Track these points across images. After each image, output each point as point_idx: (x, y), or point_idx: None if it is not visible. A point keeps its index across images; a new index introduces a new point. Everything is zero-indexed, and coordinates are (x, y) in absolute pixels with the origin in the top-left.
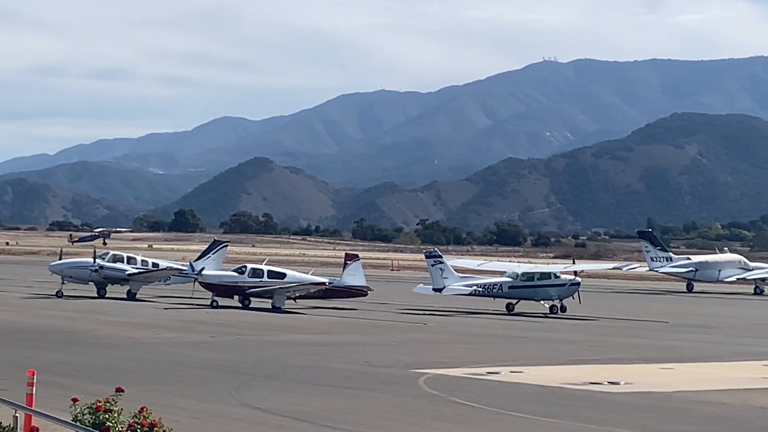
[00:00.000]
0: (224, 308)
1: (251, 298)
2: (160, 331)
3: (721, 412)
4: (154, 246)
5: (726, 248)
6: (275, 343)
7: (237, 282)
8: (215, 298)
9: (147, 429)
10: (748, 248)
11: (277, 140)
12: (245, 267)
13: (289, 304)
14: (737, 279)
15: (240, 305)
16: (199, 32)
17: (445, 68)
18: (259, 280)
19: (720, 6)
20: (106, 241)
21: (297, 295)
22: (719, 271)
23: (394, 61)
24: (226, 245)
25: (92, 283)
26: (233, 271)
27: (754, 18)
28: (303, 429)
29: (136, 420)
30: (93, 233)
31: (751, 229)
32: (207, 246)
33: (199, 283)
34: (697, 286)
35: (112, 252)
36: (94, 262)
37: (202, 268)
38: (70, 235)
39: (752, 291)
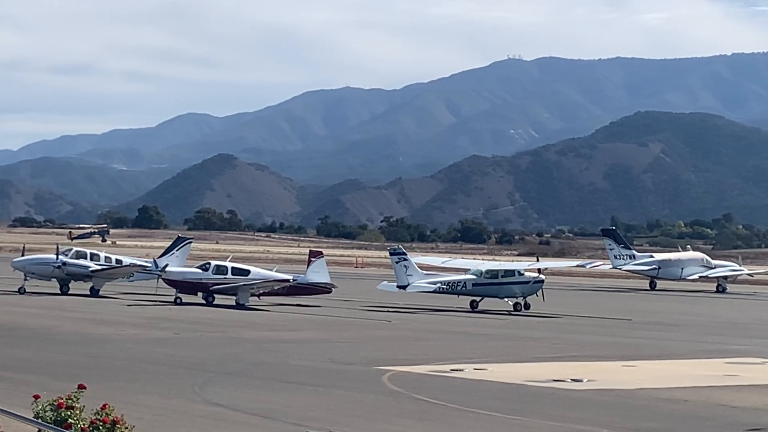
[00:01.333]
0: (188, 305)
1: (215, 295)
2: (124, 327)
3: (683, 409)
4: (117, 242)
5: (689, 246)
6: (239, 340)
7: (201, 279)
8: (179, 294)
9: (109, 426)
10: (711, 246)
11: (241, 137)
12: (209, 264)
13: (253, 301)
14: (700, 277)
15: (204, 302)
16: (164, 28)
17: (409, 65)
18: (223, 276)
19: (684, 5)
20: (105, 237)
21: (261, 292)
22: (682, 269)
23: (359, 58)
24: (190, 242)
25: (55, 280)
26: (197, 267)
27: (717, 17)
28: (266, 426)
29: (98, 417)
30: (91, 230)
31: (713, 227)
32: (171, 243)
33: (163, 279)
34: (660, 284)
35: (75, 248)
36: (57, 258)
37: (166, 265)
38: (70, 231)
39: (714, 289)
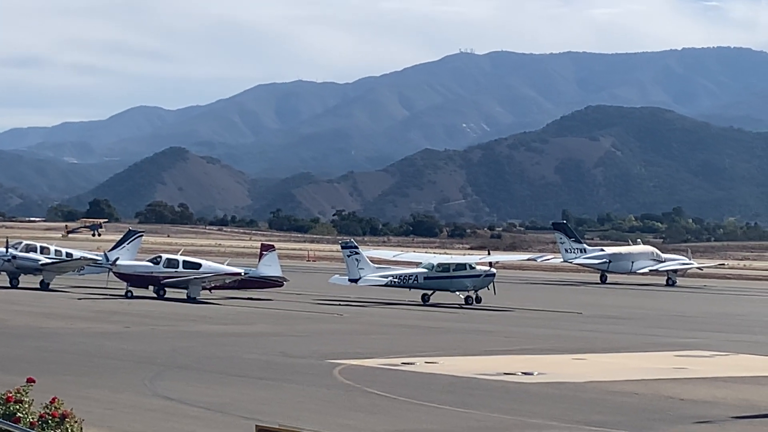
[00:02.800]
0: (139, 298)
1: (166, 289)
2: (74, 321)
3: (632, 402)
4: (68, 236)
5: (639, 240)
6: (190, 334)
7: (152, 272)
8: (130, 288)
9: (58, 420)
10: (661, 240)
11: (193, 130)
12: (160, 257)
13: (204, 294)
14: (650, 270)
15: (155, 295)
16: (115, 21)
17: (362, 59)
18: (174, 270)
19: (634, 0)
20: (99, 232)
21: (212, 285)
22: (632, 262)
23: (311, 51)
24: (141, 235)
25: (5, 273)
26: (148, 261)
27: (667, 12)
28: (217, 419)
29: (47, 411)
30: (84, 224)
31: (663, 221)
32: (122, 236)
33: (114, 273)
34: (610, 278)
35: (25, 242)
36: (7, 251)
37: (117, 258)
38: (66, 226)
39: (664, 282)
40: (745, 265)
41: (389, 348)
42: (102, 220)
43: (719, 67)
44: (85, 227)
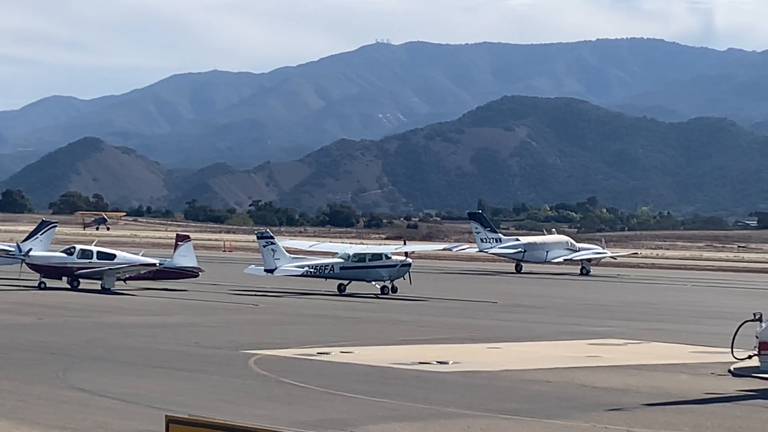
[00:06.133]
0: (52, 290)
1: (80, 280)
2: None
3: (546, 390)
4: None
5: (554, 229)
6: (104, 325)
7: (66, 263)
8: (43, 279)
9: None
10: (575, 229)
11: (108, 120)
12: (74, 248)
13: (119, 285)
14: (564, 260)
15: (69, 287)
16: (28, 10)
17: (278, 49)
18: (88, 261)
19: None
20: (107, 226)
21: (127, 276)
22: (547, 252)
23: (227, 41)
24: (55, 226)
25: None
26: (62, 252)
27: (581, 3)
28: (131, 411)
29: None
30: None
31: (578, 211)
32: (35, 227)
33: (27, 264)
34: (525, 267)
35: None
36: None
37: (30, 249)
38: (83, 219)
39: (578, 271)
40: (657, 254)
41: (305, 338)
42: (120, 214)
43: (632, 58)
44: (94, 220)
